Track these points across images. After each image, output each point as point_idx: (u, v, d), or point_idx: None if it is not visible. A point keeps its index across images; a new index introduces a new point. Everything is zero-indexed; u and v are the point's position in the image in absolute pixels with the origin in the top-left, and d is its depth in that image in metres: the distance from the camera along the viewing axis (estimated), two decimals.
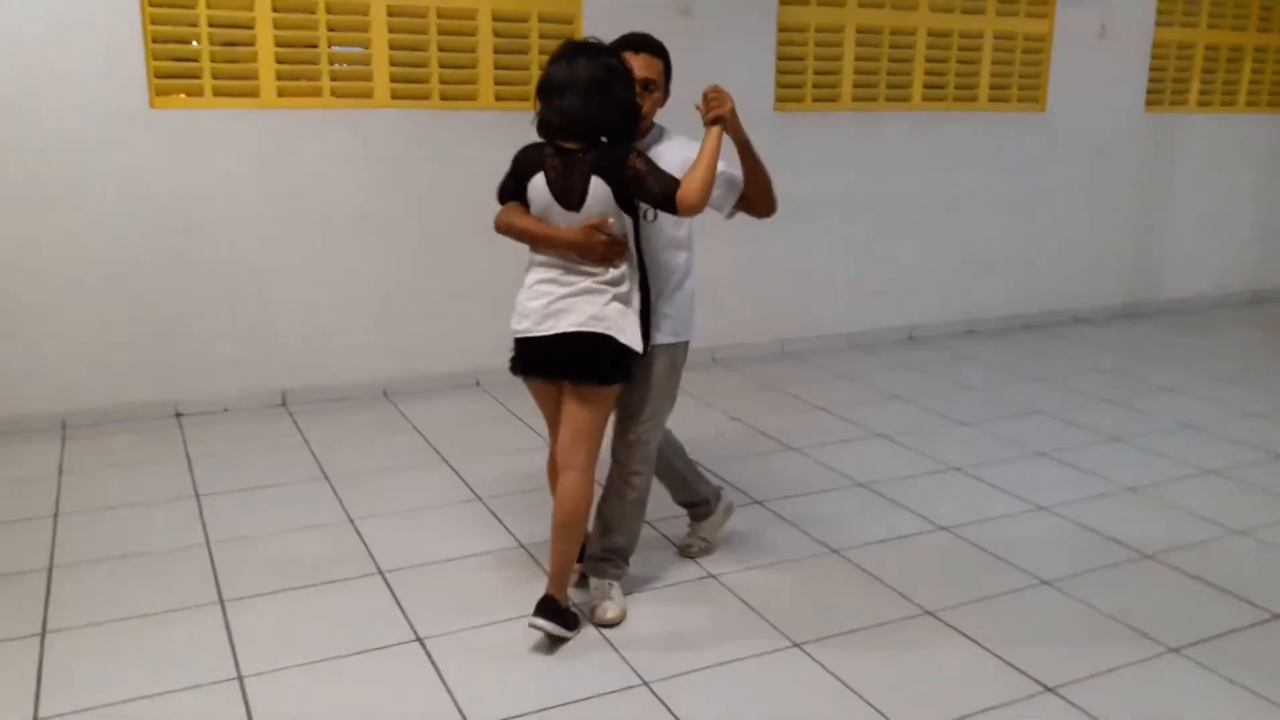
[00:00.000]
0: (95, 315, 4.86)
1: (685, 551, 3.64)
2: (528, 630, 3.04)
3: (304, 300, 5.24)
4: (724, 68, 5.83)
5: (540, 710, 2.73)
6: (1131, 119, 7.43)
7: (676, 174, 2.90)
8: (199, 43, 4.83)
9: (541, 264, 3.04)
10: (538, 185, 2.98)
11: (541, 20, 5.44)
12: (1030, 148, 7.06)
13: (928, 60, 6.56)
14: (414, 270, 5.45)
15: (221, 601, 3.28)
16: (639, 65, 3.05)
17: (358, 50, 5.16)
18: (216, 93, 4.91)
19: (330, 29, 5.05)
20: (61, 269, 4.77)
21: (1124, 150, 7.46)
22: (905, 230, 6.76)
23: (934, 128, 6.68)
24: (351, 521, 3.89)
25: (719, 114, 2.91)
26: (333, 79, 5.12)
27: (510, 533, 3.80)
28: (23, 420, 4.79)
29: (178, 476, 4.32)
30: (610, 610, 3.16)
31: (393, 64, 5.20)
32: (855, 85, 6.38)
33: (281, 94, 5.02)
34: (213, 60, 4.87)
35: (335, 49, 5.11)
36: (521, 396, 5.37)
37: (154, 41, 4.75)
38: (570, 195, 2.93)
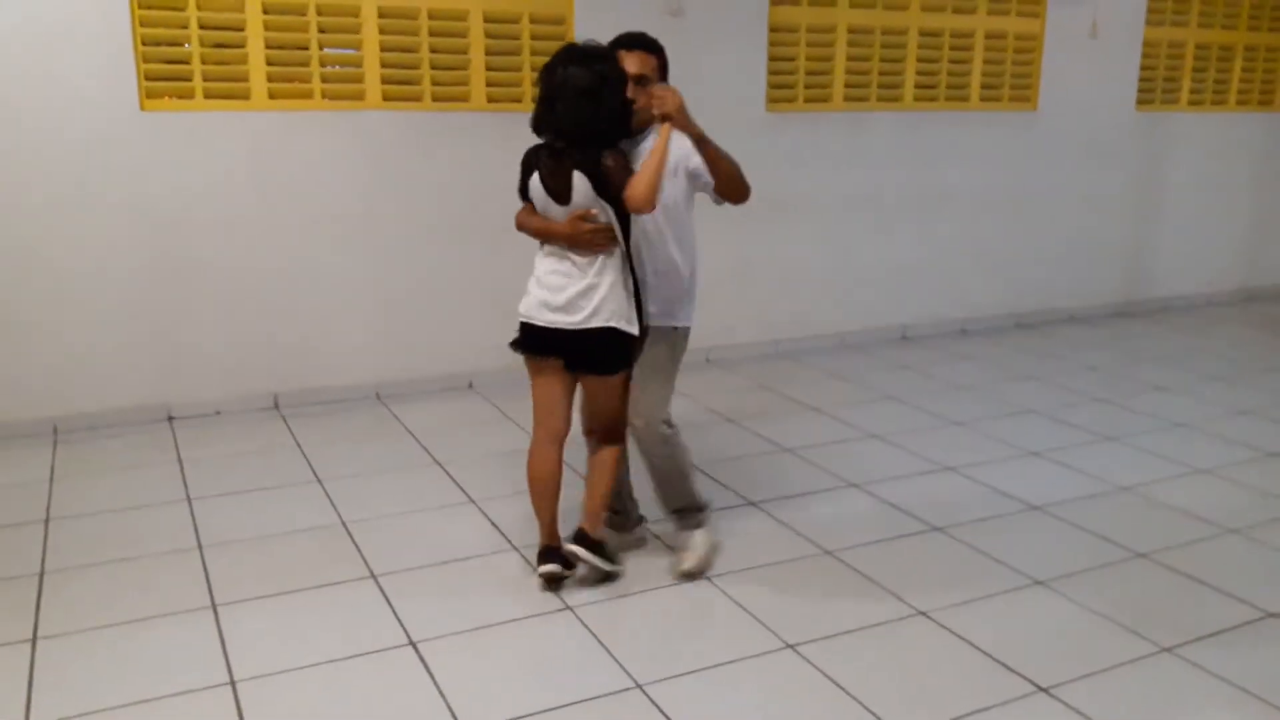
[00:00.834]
0: (86, 318, 4.85)
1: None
2: (520, 632, 3.05)
3: (296, 303, 5.23)
4: (715, 68, 5.85)
5: (534, 713, 2.72)
6: (1123, 118, 7.44)
7: (674, 165, 3.14)
8: (190, 45, 4.82)
9: (549, 254, 3.27)
10: (535, 183, 3.22)
11: (533, 21, 5.44)
12: (1022, 147, 7.07)
13: (919, 60, 6.57)
14: (406, 272, 5.44)
15: (214, 605, 3.27)
16: (632, 62, 3.20)
17: (349, 52, 5.15)
18: (207, 95, 4.89)
19: (321, 30, 5.04)
20: (51, 272, 4.75)
21: (1115, 149, 7.47)
22: (898, 230, 6.77)
23: (925, 127, 6.69)
24: (344, 524, 3.88)
25: (664, 111, 3.03)
26: (324, 81, 5.11)
27: (504, 535, 3.79)
28: (13, 425, 4.77)
29: (170, 480, 4.31)
30: (686, 560, 3.46)
31: (384, 65, 5.19)
32: (847, 85, 6.39)
33: (273, 96, 5.00)
34: (203, 62, 4.86)
35: (326, 50, 5.10)
36: (514, 399, 5.39)
37: (144, 44, 4.73)
38: (560, 191, 3.14)
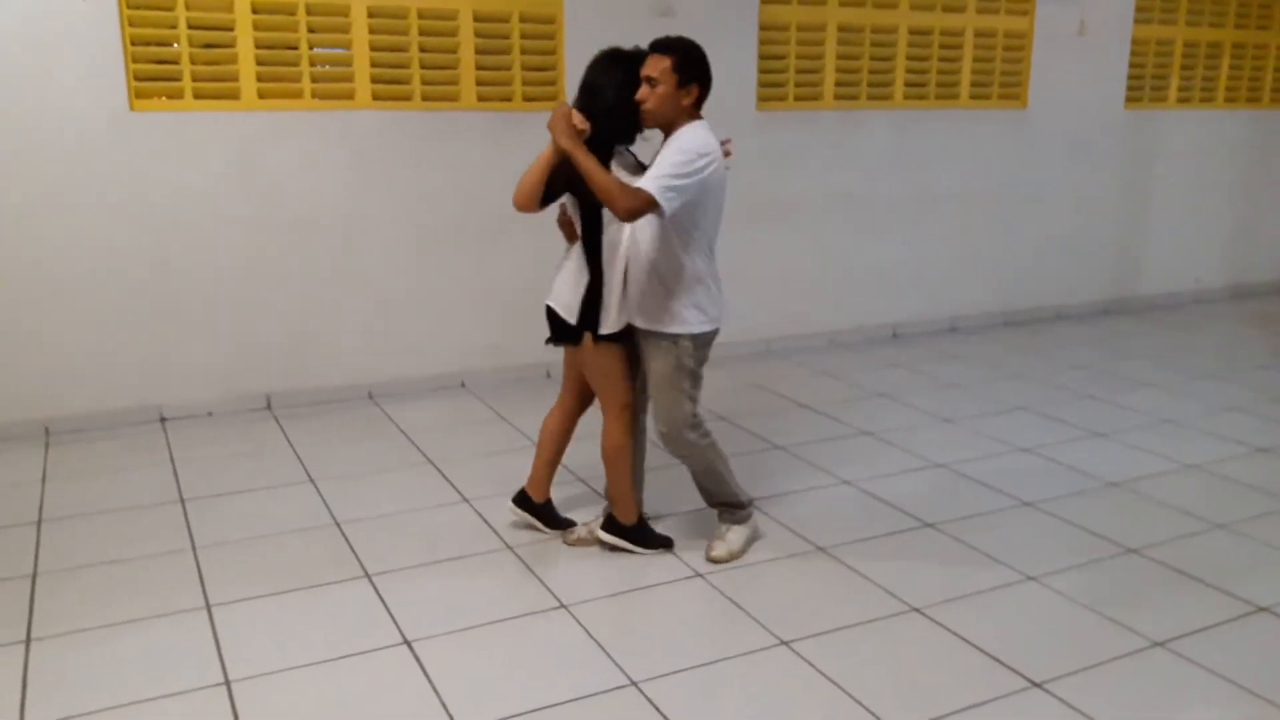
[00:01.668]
0: (76, 320, 4.83)
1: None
2: (514, 630, 3.07)
3: (287, 303, 5.22)
4: None
5: (528, 712, 2.73)
6: (1112, 116, 7.47)
7: (659, 167, 3.17)
8: (179, 45, 4.81)
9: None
10: None
11: (523, 20, 5.44)
12: (1011, 145, 7.10)
13: (909, 58, 6.58)
14: (398, 272, 5.44)
15: (208, 606, 3.26)
16: (645, 64, 3.28)
17: (339, 51, 5.14)
18: (197, 95, 4.88)
19: (311, 30, 5.03)
20: (42, 273, 4.73)
21: (1104, 147, 7.51)
22: (888, 228, 6.79)
23: (916, 126, 6.71)
24: (337, 524, 3.88)
25: (548, 126, 3.16)
26: (314, 81, 5.10)
27: (498, 535, 3.80)
28: (5, 427, 4.76)
29: (162, 481, 4.30)
30: (715, 548, 3.60)
31: (374, 65, 5.19)
32: (837, 84, 6.40)
33: (262, 96, 4.99)
34: (193, 63, 4.85)
35: (316, 50, 5.09)
36: (507, 398, 5.40)
37: (133, 44, 4.71)
38: None
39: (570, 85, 5.56)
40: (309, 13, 5.00)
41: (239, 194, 5.03)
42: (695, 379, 3.46)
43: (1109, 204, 7.68)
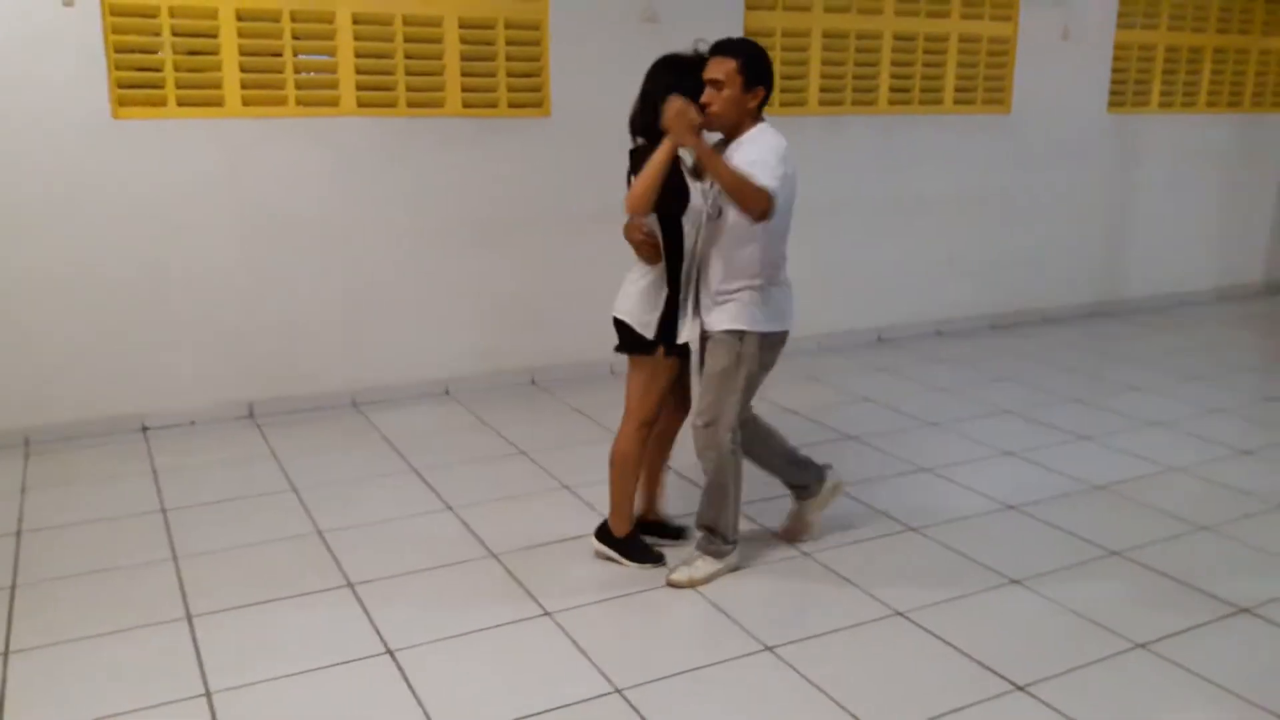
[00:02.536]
0: (58, 328, 4.80)
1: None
2: (498, 639, 3.06)
3: (271, 310, 5.20)
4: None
5: None
6: (1095, 120, 7.51)
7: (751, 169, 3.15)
8: (162, 52, 4.79)
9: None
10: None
11: (508, 27, 5.44)
12: (996, 150, 7.12)
13: (893, 64, 6.60)
14: (383, 279, 5.42)
15: (189, 617, 3.24)
16: (710, 67, 3.27)
17: (324, 58, 5.13)
18: (180, 102, 4.86)
19: (295, 37, 5.02)
20: (23, 281, 4.70)
21: (1088, 151, 7.54)
22: (873, 232, 6.80)
23: (900, 131, 6.72)
24: (320, 534, 3.86)
25: (663, 124, 3.11)
26: (298, 88, 5.09)
27: (482, 543, 3.78)
28: None
29: (144, 491, 4.28)
30: (679, 571, 3.46)
31: (359, 72, 5.17)
32: (822, 89, 6.41)
33: (246, 103, 4.98)
34: (176, 70, 4.83)
35: (301, 57, 5.08)
36: (492, 405, 5.39)
37: (116, 51, 4.69)
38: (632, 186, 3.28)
39: (556, 91, 5.57)
40: (293, 20, 4.99)
41: (223, 201, 5.01)
42: (751, 382, 3.41)
43: (1094, 207, 7.71)
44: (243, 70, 4.94)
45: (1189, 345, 6.96)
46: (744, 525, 3.93)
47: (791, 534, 3.80)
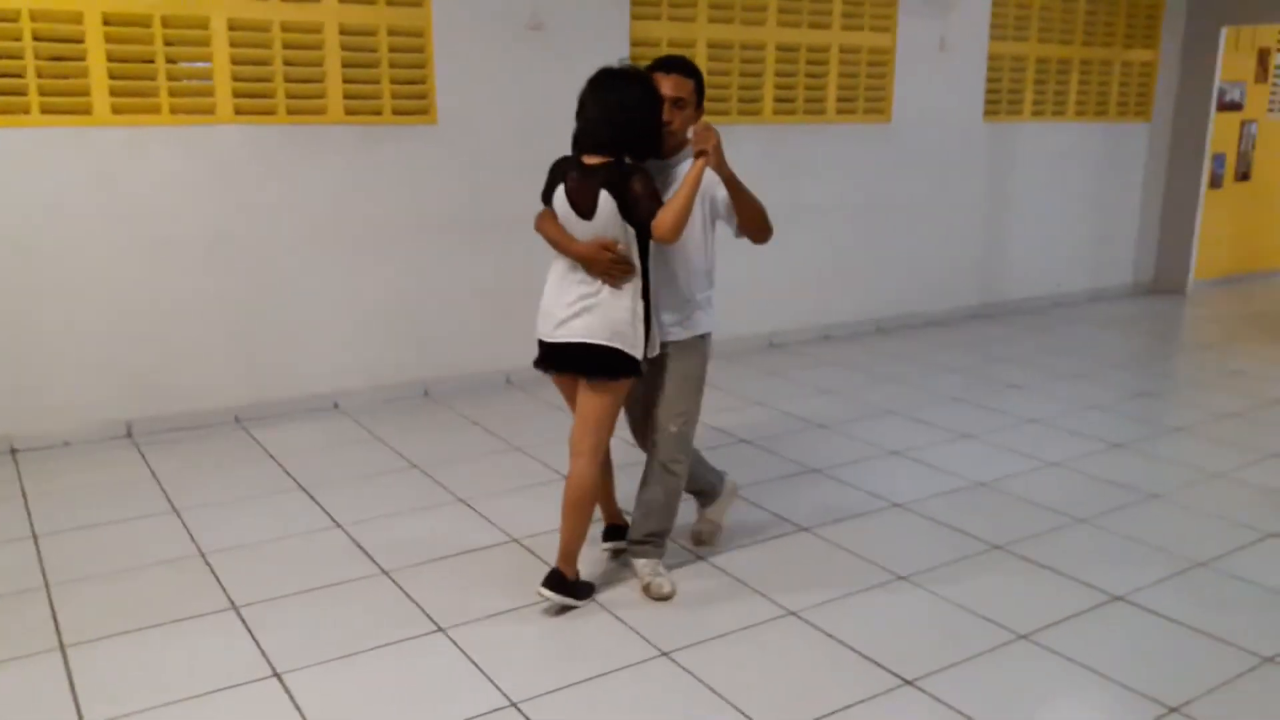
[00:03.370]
0: None
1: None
2: (391, 657, 2.99)
3: (147, 326, 5.02)
4: (578, 81, 5.84)
5: None
6: (972, 128, 7.76)
7: (701, 192, 3.23)
8: (24, 58, 4.57)
9: (560, 267, 3.30)
10: (559, 195, 3.25)
11: (391, 33, 5.36)
12: (878, 158, 7.30)
13: (777, 74, 6.71)
14: (264, 291, 5.28)
15: (62, 647, 3.10)
16: (669, 85, 3.25)
17: (199, 65, 4.97)
18: (44, 110, 4.66)
19: (167, 43, 4.85)
20: None
21: (966, 159, 7.79)
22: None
23: (785, 140, 6.84)
24: (203, 555, 3.73)
25: (701, 148, 3.15)
26: (172, 95, 4.92)
27: (372, 560, 3.71)
28: None
29: (13, 516, 4.07)
30: (665, 585, 3.44)
31: (235, 79, 5.03)
32: (709, 99, 6.47)
33: (116, 111, 4.79)
34: (40, 76, 4.62)
35: (175, 65, 4.91)
36: (383, 419, 5.30)
37: None
38: (583, 206, 3.17)
39: (442, 99, 5.51)
40: (165, 25, 4.82)
41: (93, 213, 4.81)
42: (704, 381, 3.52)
43: (972, 213, 7.97)
44: (112, 77, 4.75)
45: (1064, 345, 7.24)
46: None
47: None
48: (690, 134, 3.22)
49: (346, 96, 5.31)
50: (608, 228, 3.16)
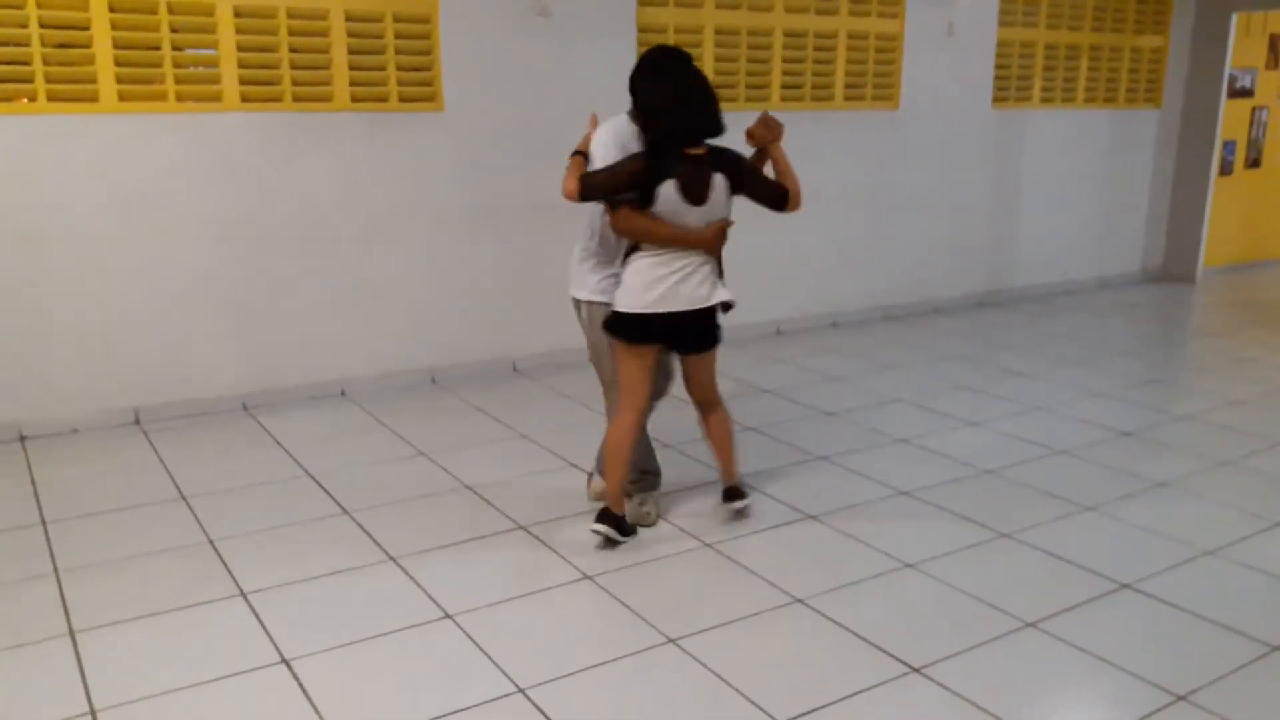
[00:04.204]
0: None
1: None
2: (398, 643, 3.01)
3: (155, 313, 5.02)
4: (584, 68, 5.85)
5: None
6: (980, 115, 7.72)
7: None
8: (30, 45, 4.57)
9: (651, 254, 3.52)
10: (668, 190, 3.42)
11: (397, 20, 5.34)
12: (886, 145, 7.27)
13: (785, 60, 6.69)
14: (270, 278, 5.28)
15: (71, 633, 3.11)
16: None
17: (205, 52, 4.97)
18: (51, 97, 4.66)
19: (173, 30, 4.84)
20: None
21: (974, 146, 7.76)
22: (768, 228, 6.79)
23: (792, 127, 6.75)
24: (211, 543, 3.74)
25: (775, 135, 3.77)
26: (178, 82, 4.92)
27: (380, 546, 3.71)
28: None
29: (23, 503, 4.09)
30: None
31: (242, 66, 5.02)
32: (715, 86, 6.43)
33: (123, 98, 4.79)
34: (46, 63, 4.62)
35: (181, 51, 4.90)
36: (391, 406, 5.30)
37: None
38: (699, 193, 3.46)
39: (449, 86, 5.49)
40: (171, 11, 4.82)
41: (101, 201, 4.82)
42: None
43: (980, 201, 7.94)
44: (118, 64, 4.75)
45: (1071, 332, 7.22)
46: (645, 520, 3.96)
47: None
48: (758, 125, 3.74)
49: (352, 84, 5.30)
50: (720, 208, 3.54)
